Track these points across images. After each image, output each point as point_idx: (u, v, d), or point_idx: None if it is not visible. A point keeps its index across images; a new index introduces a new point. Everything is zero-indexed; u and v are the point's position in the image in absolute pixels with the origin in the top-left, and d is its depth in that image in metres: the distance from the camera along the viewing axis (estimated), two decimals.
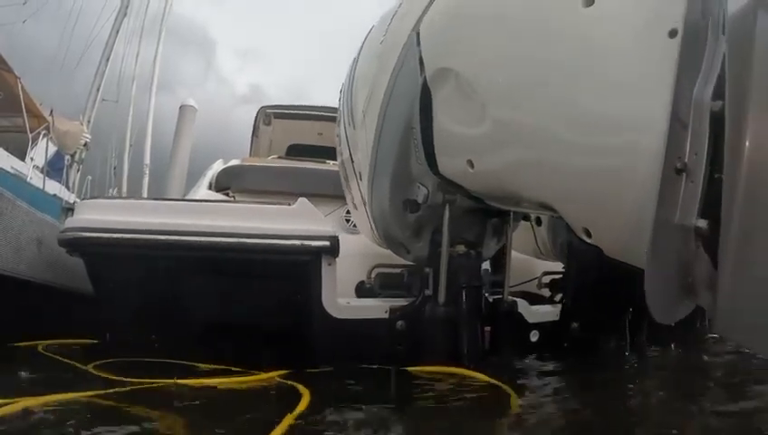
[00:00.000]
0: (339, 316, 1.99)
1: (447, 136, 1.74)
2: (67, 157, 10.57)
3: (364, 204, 2.19)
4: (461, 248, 2.06)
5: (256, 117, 5.88)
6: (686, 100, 1.00)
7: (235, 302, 1.94)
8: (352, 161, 2.29)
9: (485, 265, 2.35)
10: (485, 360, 2.01)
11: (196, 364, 1.91)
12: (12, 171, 7.45)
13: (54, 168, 9.61)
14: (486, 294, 2.18)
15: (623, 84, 1.10)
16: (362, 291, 2.50)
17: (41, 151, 9.04)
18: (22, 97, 8.64)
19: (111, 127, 13.55)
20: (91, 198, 5.99)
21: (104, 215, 1.97)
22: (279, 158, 4.80)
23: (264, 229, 1.91)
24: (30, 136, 8.88)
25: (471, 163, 1.62)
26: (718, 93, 0.98)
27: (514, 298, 2.24)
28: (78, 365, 1.96)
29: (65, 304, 2.46)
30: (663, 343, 2.57)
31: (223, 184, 3.72)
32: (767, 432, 1.49)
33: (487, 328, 2.09)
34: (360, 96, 2.14)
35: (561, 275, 2.59)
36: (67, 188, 10.00)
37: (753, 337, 0.99)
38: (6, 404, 1.37)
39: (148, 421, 1.45)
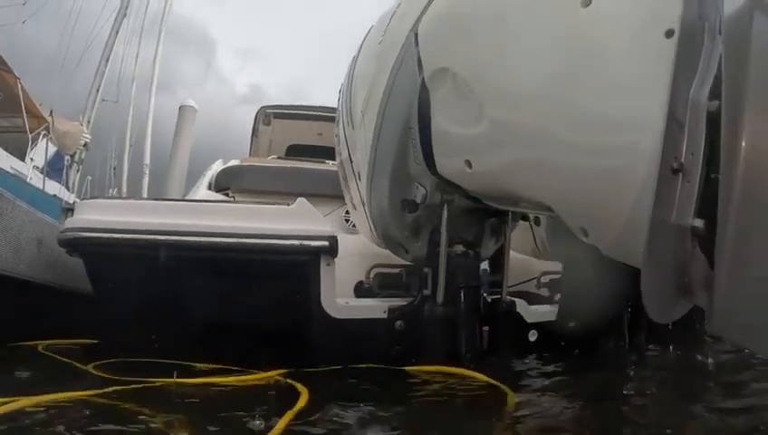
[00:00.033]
0: (337, 316, 1.99)
1: (445, 136, 1.74)
2: (67, 157, 10.58)
3: (363, 204, 2.19)
4: (459, 248, 2.05)
5: (256, 117, 5.89)
6: (683, 100, 1.01)
7: (234, 302, 1.94)
8: (351, 161, 2.29)
9: (484, 265, 2.34)
10: (484, 360, 2.01)
11: (195, 364, 1.92)
12: (12, 171, 7.46)
13: (54, 168, 9.63)
14: (485, 294, 2.18)
15: (620, 84, 1.09)
16: (361, 291, 2.50)
17: (41, 152, 9.06)
18: (22, 97, 8.66)
19: (111, 127, 13.59)
20: (91, 198, 6.00)
21: (104, 215, 1.98)
22: (278, 158, 4.80)
23: (264, 229, 1.92)
24: (30, 136, 8.90)
25: (469, 163, 1.62)
26: (715, 94, 0.98)
27: (513, 298, 2.24)
28: (78, 365, 1.96)
29: (65, 304, 2.46)
30: (662, 342, 2.58)
31: (222, 184, 3.72)
32: (766, 431, 1.49)
33: (486, 328, 2.08)
34: (359, 96, 2.14)
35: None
36: (67, 188, 10.01)
37: (749, 337, 1.00)
38: (6, 404, 1.37)
39: (149, 421, 1.45)
